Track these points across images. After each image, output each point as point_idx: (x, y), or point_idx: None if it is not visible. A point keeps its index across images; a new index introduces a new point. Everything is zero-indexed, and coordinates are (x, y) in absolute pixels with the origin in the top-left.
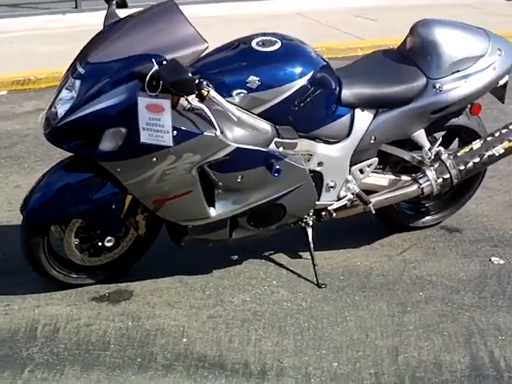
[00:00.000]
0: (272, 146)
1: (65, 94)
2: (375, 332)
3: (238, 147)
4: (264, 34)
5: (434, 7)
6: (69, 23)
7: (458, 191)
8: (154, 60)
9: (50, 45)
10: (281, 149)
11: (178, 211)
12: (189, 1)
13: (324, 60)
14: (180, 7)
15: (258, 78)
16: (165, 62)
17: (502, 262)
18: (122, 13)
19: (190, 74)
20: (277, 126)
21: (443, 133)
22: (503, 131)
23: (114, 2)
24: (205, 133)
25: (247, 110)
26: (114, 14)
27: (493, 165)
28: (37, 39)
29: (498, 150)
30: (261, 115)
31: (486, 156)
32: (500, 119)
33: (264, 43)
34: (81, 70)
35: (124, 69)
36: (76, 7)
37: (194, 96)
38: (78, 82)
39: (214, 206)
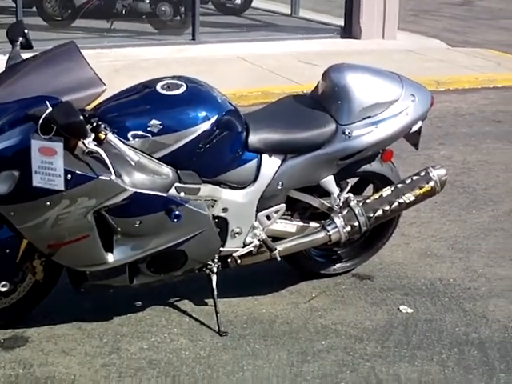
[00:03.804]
0: (172, 191)
1: None
2: (271, 382)
3: (135, 192)
4: (172, 77)
5: (377, 53)
6: None
7: (371, 238)
8: (48, 102)
9: None
10: (182, 194)
11: (74, 256)
12: (129, 43)
13: (231, 104)
14: (120, 49)
15: (159, 122)
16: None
17: (410, 310)
18: (26, 54)
19: (81, 117)
20: (178, 171)
21: (356, 179)
22: (414, 178)
23: (19, 42)
24: (100, 177)
25: (148, 154)
26: (17, 54)
27: (413, 211)
28: None
29: (409, 197)
30: (162, 159)
31: (396, 203)
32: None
33: (169, 86)
34: None
35: (20, 110)
36: None
37: (91, 139)
38: None
39: (111, 252)
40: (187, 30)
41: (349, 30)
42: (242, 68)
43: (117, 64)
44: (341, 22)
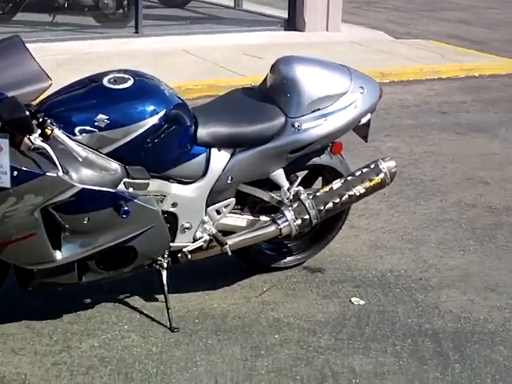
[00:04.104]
0: (121, 187)
1: None
2: (225, 377)
3: (83, 188)
4: (119, 71)
5: (321, 45)
6: None
7: (321, 231)
8: None
9: None
10: (130, 189)
11: (21, 254)
12: (71, 37)
13: (179, 98)
14: (62, 43)
15: (107, 117)
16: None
17: (362, 302)
18: None
19: (27, 113)
20: (127, 166)
21: (305, 172)
22: (364, 170)
23: None
24: (47, 173)
25: (96, 150)
26: None
27: (362, 203)
28: None
29: (359, 189)
30: (110, 155)
31: (346, 196)
32: (375, 158)
33: (116, 80)
34: None
35: None
36: None
37: (37, 135)
38: None
39: (59, 249)
40: (130, 23)
41: (293, 23)
42: (186, 61)
43: (59, 58)
44: (285, 14)
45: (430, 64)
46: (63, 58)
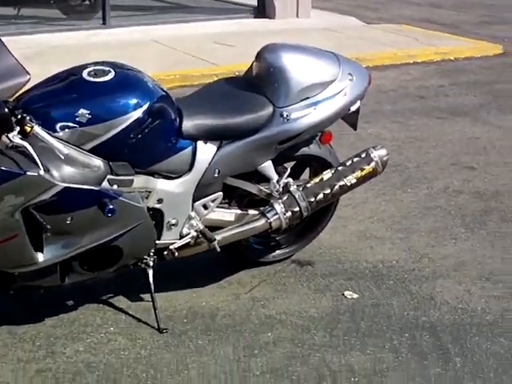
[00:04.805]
0: (105, 184)
1: None
2: (219, 380)
3: (65, 187)
4: (97, 63)
5: (293, 32)
6: None
7: (310, 223)
8: None
9: None
10: (115, 186)
11: (1, 258)
12: (38, 30)
13: (162, 90)
14: (29, 36)
15: (88, 112)
16: None
17: (355, 296)
18: None
19: (6, 110)
20: (110, 163)
21: (293, 163)
22: (355, 160)
23: None
24: (28, 172)
25: (78, 146)
26: None
27: (348, 193)
28: None
29: (350, 179)
30: (93, 151)
31: (337, 186)
32: (357, 145)
33: (96, 73)
34: None
35: None
36: None
37: (15, 133)
38: None
39: (41, 251)
40: (97, 15)
41: (262, 10)
42: (157, 51)
43: (27, 51)
44: (254, 1)
45: (405, 48)
46: (32, 51)
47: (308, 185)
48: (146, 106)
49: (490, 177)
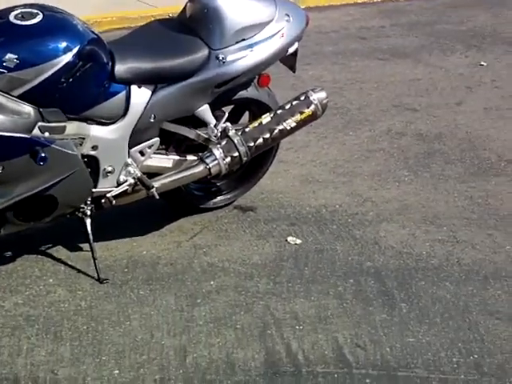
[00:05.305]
0: (36, 132)
1: None
2: (161, 331)
3: None
4: (24, 6)
5: None
6: None
7: (251, 168)
8: None
9: None
10: (46, 134)
11: None
12: None
13: (93, 33)
14: None
15: (16, 56)
16: None
17: (298, 241)
18: None
19: None
20: (41, 109)
21: (231, 107)
22: (294, 103)
23: None
24: None
25: (5, 93)
26: None
27: (289, 136)
28: None
29: (290, 123)
30: (22, 97)
31: (276, 130)
32: (298, 87)
33: (23, 16)
34: None
35: None
36: None
37: None
38: None
39: None
40: None
41: None
42: None
43: None
44: None
45: None
46: None
47: (247, 129)
48: (76, 50)
49: (432, 118)
